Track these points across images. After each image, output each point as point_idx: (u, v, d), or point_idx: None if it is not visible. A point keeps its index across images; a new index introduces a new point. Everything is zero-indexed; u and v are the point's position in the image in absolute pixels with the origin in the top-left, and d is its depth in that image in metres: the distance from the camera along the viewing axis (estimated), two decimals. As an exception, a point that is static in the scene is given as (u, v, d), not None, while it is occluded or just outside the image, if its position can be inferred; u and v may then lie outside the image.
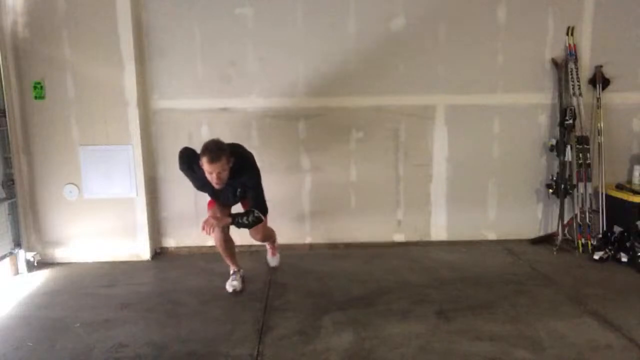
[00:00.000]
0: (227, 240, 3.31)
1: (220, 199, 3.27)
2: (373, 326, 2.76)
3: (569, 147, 4.02)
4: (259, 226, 3.23)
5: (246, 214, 3.11)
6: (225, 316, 2.93)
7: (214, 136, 3.12)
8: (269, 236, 3.59)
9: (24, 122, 3.83)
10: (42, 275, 3.71)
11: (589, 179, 4.04)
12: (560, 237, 4.05)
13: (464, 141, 4.18)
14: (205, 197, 4.07)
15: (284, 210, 4.15)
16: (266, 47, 3.95)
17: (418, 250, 4.13)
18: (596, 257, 3.76)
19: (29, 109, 3.82)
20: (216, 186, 3.00)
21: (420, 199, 4.25)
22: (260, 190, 3.18)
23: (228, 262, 3.40)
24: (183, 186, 4.06)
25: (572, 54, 4.05)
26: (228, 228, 3.25)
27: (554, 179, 4.05)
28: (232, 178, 3.03)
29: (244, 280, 3.39)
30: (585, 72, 4.11)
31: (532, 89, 4.14)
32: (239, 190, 3.15)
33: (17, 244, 3.80)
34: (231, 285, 3.29)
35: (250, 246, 3.94)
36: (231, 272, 3.40)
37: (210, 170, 2.91)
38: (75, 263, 3.95)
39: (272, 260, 3.76)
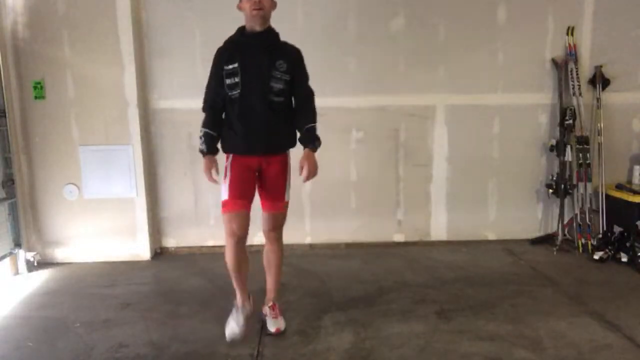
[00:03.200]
0: (241, 257, 2.59)
1: (250, 71, 2.49)
2: (373, 326, 2.75)
3: (569, 147, 4.02)
4: (282, 210, 2.67)
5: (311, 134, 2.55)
6: (226, 316, 2.91)
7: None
8: (282, 232, 2.78)
9: (24, 122, 3.83)
10: (42, 275, 3.71)
11: (589, 179, 4.04)
12: (560, 237, 4.05)
13: (464, 141, 4.18)
14: (206, 198, 4.05)
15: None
16: (266, 47, 3.95)
17: (418, 250, 4.13)
18: (596, 257, 3.76)
19: (29, 109, 3.82)
20: (253, 13, 2.48)
21: (420, 199, 4.25)
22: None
23: (236, 286, 2.64)
24: (183, 186, 4.08)
25: (572, 54, 4.05)
26: (245, 240, 2.60)
27: (554, 179, 4.05)
28: (274, 50, 2.54)
29: (249, 318, 2.62)
30: (585, 72, 4.11)
31: (532, 89, 4.14)
32: (279, 62, 2.51)
33: (17, 244, 3.80)
34: (231, 330, 2.57)
35: (251, 246, 3.93)
36: (238, 303, 2.63)
37: None
38: (75, 263, 3.95)
39: (274, 322, 2.71)
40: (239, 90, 2.50)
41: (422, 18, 4.02)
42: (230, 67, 2.51)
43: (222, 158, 2.64)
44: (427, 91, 4.11)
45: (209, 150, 2.61)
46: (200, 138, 2.61)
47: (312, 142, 2.53)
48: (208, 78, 2.62)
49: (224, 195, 2.57)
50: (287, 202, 2.70)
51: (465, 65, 4.07)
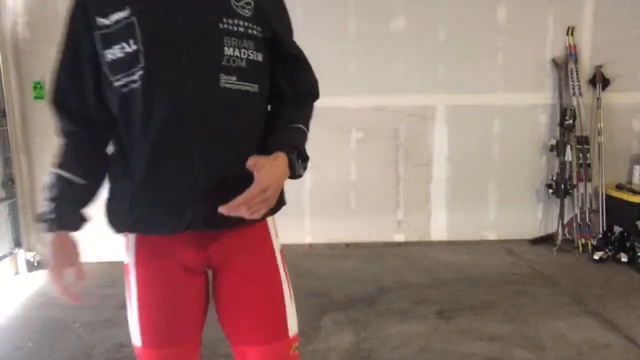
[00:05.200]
0: None
1: (168, 24, 1.06)
2: (373, 326, 2.76)
3: (569, 147, 4.02)
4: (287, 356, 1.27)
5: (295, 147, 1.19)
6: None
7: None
8: None
9: (24, 122, 3.83)
10: (43, 275, 3.70)
11: (589, 179, 4.03)
12: (560, 237, 4.05)
13: (464, 141, 4.18)
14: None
15: (283, 210, 4.15)
16: (266, 47, 3.95)
17: (418, 250, 4.13)
18: (596, 257, 3.75)
19: (29, 109, 3.82)
20: None
21: (420, 199, 4.25)
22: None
23: None
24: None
25: (572, 54, 4.05)
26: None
27: (554, 179, 4.05)
28: None
29: None
30: (585, 72, 4.10)
31: (532, 89, 4.14)
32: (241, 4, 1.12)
33: (17, 243, 3.80)
34: None
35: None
36: None
37: None
38: (75, 263, 3.95)
39: None
40: (140, 71, 1.08)
41: (422, 18, 4.02)
42: (114, 19, 1.07)
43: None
44: (427, 91, 4.11)
45: (63, 222, 1.27)
46: (48, 195, 1.24)
47: (293, 144, 1.20)
48: (58, 61, 1.24)
49: (133, 335, 1.25)
50: (296, 339, 1.28)
51: (465, 65, 4.07)
